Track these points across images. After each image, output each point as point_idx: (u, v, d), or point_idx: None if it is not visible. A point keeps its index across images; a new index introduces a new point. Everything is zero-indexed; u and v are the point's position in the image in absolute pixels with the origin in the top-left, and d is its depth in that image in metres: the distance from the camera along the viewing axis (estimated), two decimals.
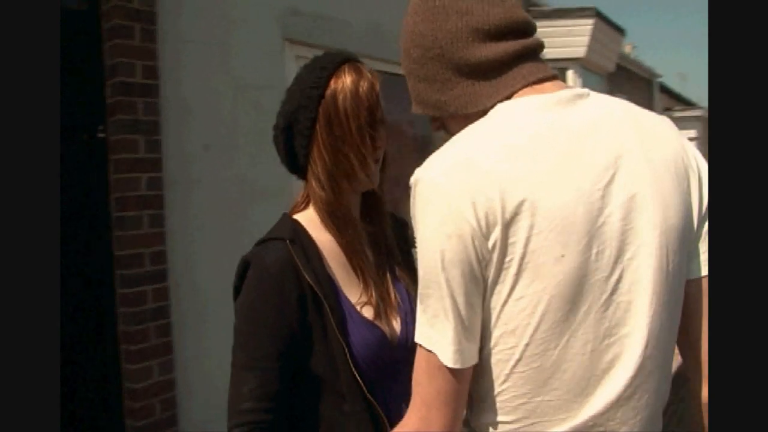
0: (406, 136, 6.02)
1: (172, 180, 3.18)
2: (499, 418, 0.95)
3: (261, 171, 3.75)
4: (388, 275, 1.37)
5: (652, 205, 0.93)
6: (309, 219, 1.31)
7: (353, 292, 1.28)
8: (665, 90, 15.29)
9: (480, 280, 0.90)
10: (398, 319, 1.31)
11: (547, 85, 1.02)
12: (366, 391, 1.20)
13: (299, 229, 1.28)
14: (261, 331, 1.19)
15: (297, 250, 1.22)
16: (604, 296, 0.91)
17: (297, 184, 4.12)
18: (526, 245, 0.87)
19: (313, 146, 1.27)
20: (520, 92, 1.00)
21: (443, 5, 1.04)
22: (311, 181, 1.30)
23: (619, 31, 8.20)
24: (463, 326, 0.90)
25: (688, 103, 17.16)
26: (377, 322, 1.27)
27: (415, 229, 0.94)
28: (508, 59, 1.01)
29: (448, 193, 0.89)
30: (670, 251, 0.95)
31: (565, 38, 7.28)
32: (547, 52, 6.63)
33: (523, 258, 0.88)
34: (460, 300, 0.90)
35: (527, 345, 0.90)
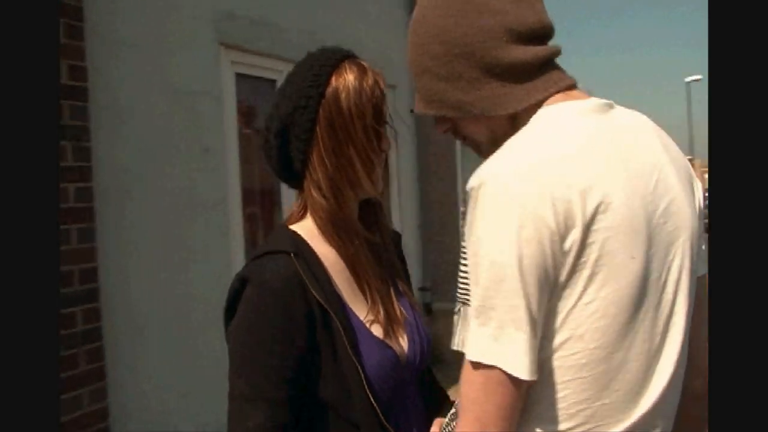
0: None
1: (103, 190, 2.95)
2: (554, 427, 0.91)
3: (199, 181, 3.56)
4: (391, 289, 1.26)
5: (684, 210, 0.99)
6: (308, 230, 1.19)
7: (360, 309, 1.17)
8: None
9: (550, 285, 0.87)
10: (405, 337, 1.21)
11: (575, 92, 1.03)
12: (382, 417, 1.09)
13: (300, 241, 1.16)
14: (265, 356, 1.05)
15: (302, 264, 1.10)
16: (657, 296, 0.94)
17: (238, 195, 3.97)
18: (602, 247, 0.87)
19: (313, 151, 1.15)
20: (553, 98, 1.00)
21: (474, 2, 1.00)
22: (310, 190, 1.17)
23: None
24: (535, 335, 0.87)
25: None
26: (387, 341, 1.16)
27: (473, 236, 0.89)
28: (539, 63, 1.01)
29: (525, 196, 0.86)
30: (694, 253, 1.00)
31: None
32: None
33: (598, 260, 0.87)
34: (534, 308, 0.86)
35: (594, 349, 0.89)
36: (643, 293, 0.91)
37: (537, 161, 0.89)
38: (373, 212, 1.28)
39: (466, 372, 0.90)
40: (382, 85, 1.19)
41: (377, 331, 1.16)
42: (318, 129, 1.14)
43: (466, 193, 0.93)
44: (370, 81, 1.17)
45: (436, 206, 7.02)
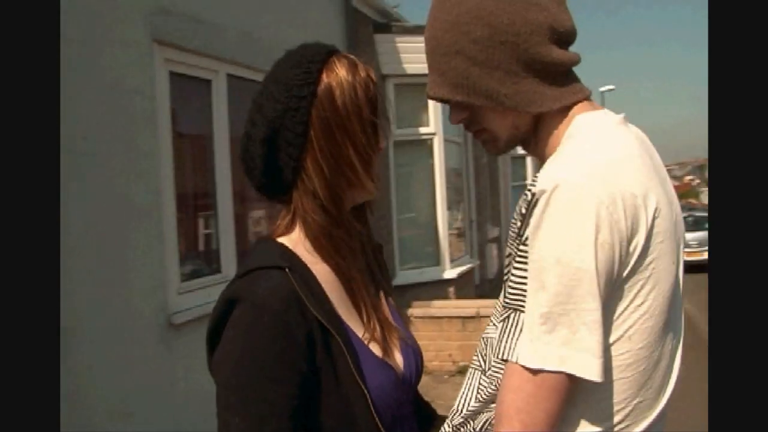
0: None
1: None
2: (592, 429, 0.92)
3: (133, 186, 3.36)
4: (383, 303, 1.18)
5: (681, 218, 1.03)
6: (296, 243, 1.08)
7: (357, 327, 1.07)
8: None
9: (612, 287, 0.88)
10: (400, 354, 1.13)
11: (593, 102, 1.05)
12: None
13: (291, 255, 1.05)
14: (265, 384, 0.93)
15: (298, 280, 0.99)
16: (680, 297, 0.99)
17: (172, 200, 3.76)
18: (657, 251, 0.90)
19: (307, 156, 1.04)
20: (580, 105, 1.02)
21: None
22: (302, 200, 1.06)
23: None
24: (605, 337, 0.87)
25: None
26: (386, 360, 1.08)
27: (541, 239, 0.87)
28: (570, 68, 1.02)
29: (600, 199, 0.85)
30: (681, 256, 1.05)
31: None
32: (408, 68, 6.76)
33: (652, 263, 0.90)
34: (602, 310, 0.86)
35: (640, 349, 0.91)
36: (676, 295, 0.96)
37: (605, 166, 0.89)
38: (362, 217, 1.19)
39: (514, 379, 0.88)
40: (374, 77, 1.10)
41: (375, 349, 1.07)
42: (312, 132, 1.03)
43: (524, 197, 0.92)
44: (363, 74, 1.06)
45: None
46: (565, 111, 1.01)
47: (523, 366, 0.87)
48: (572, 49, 1.03)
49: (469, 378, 1.09)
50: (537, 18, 0.96)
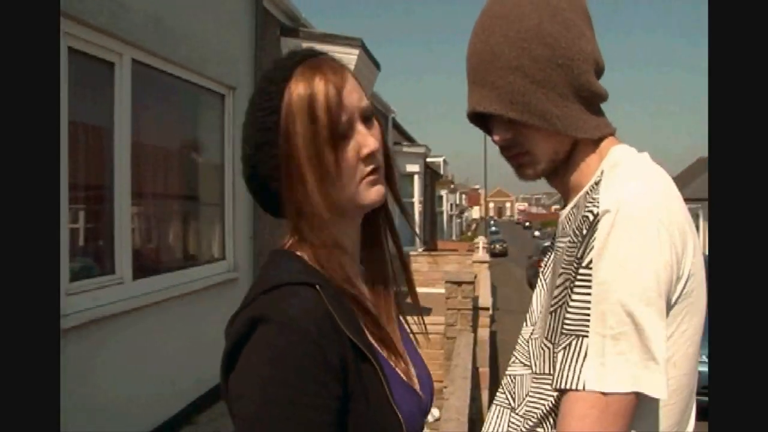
0: (188, 163, 5.41)
1: None
2: None
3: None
4: (395, 327, 1.09)
5: None
6: (310, 258, 0.98)
7: (381, 349, 0.99)
8: (396, 126, 16.46)
9: (667, 311, 0.90)
10: (416, 377, 1.04)
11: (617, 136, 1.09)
12: None
13: (316, 271, 0.95)
14: (301, 414, 0.81)
15: (329, 298, 0.89)
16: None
17: (65, 193, 3.36)
18: (698, 279, 0.93)
19: (282, 187, 0.98)
20: (609, 138, 1.06)
21: (573, 20, 1.01)
22: (294, 225, 0.99)
23: (377, 65, 8.52)
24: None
25: (412, 141, 18.73)
26: (412, 385, 1.00)
27: (607, 261, 0.86)
28: (604, 101, 1.06)
29: (662, 220, 0.88)
30: None
31: None
32: None
33: (694, 290, 0.92)
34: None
35: (683, 375, 0.92)
36: (703, 322, 0.98)
37: (662, 191, 0.92)
38: (374, 230, 1.10)
39: (578, 407, 0.86)
40: (342, 85, 0.97)
41: (402, 374, 0.99)
42: (283, 162, 0.96)
43: (584, 220, 0.92)
44: (326, 84, 0.96)
45: (268, 217, 6.68)
46: (596, 143, 1.05)
47: (590, 391, 0.85)
48: None
49: (494, 416, 1.09)
50: (586, 48, 1.01)
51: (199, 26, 5.05)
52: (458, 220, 56.99)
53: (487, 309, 8.83)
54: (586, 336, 0.87)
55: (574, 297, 0.90)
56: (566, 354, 0.90)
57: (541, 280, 1.20)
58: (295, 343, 0.83)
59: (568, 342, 0.90)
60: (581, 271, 0.90)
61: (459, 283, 7.91)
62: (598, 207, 0.90)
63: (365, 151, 0.97)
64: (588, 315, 0.87)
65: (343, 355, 0.87)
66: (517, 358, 1.18)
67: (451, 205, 45.46)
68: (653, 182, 0.94)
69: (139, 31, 4.09)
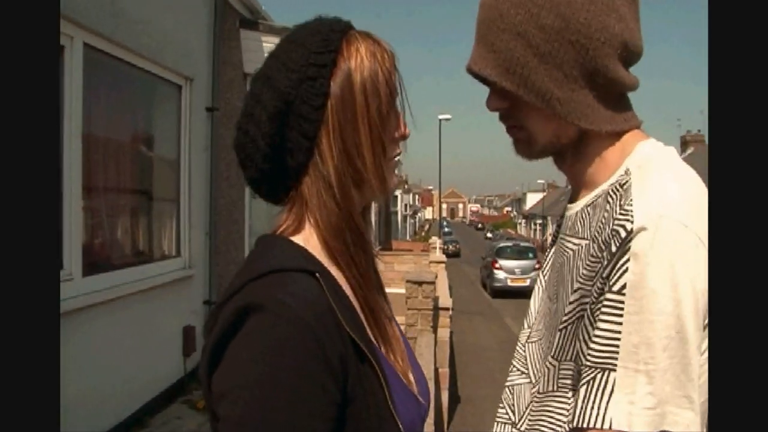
0: (141, 155, 5.19)
1: None
2: None
3: None
4: (393, 323, 1.01)
5: None
6: (309, 245, 0.88)
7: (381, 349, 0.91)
8: None
9: None
10: (416, 384, 0.96)
11: (644, 131, 0.98)
12: None
13: (314, 258, 0.86)
14: (297, 419, 0.72)
15: (330, 289, 0.81)
16: None
17: None
18: None
19: (322, 135, 0.87)
20: (634, 133, 0.94)
21: None
22: (315, 190, 0.88)
23: None
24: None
25: None
26: (413, 391, 0.92)
27: (647, 288, 0.76)
28: (630, 92, 0.95)
29: (701, 237, 0.79)
30: None
31: None
32: None
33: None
34: None
35: (703, 403, 0.82)
36: None
37: (695, 198, 0.83)
38: (365, 219, 1.00)
39: None
40: (395, 60, 0.94)
41: (403, 377, 0.92)
42: (330, 105, 0.86)
43: (614, 234, 0.81)
44: (385, 53, 0.91)
45: (224, 213, 6.53)
46: (615, 136, 0.93)
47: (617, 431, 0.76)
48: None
49: None
50: (614, 27, 0.87)
51: (157, 13, 4.85)
52: (412, 221, 57.29)
53: (447, 309, 8.80)
54: (614, 370, 0.78)
55: (601, 326, 0.79)
56: (589, 389, 0.80)
57: (540, 280, 1.11)
58: (293, 337, 0.73)
59: (591, 376, 0.80)
60: (610, 296, 0.79)
61: (420, 283, 7.86)
62: (632, 222, 0.79)
63: (400, 132, 0.94)
64: (617, 347, 0.78)
65: (344, 355, 0.78)
66: (515, 366, 1.11)
67: (406, 205, 45.64)
68: (689, 190, 0.85)
69: (93, 14, 3.88)
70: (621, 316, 0.77)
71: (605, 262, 0.81)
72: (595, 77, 0.88)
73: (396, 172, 0.95)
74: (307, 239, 0.89)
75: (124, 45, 4.35)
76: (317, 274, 0.81)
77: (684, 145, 32.94)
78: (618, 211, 0.83)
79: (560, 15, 0.85)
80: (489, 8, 0.91)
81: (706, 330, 0.81)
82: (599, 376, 0.79)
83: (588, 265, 0.86)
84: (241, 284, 0.78)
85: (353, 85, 0.87)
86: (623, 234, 0.79)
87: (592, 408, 0.78)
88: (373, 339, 0.88)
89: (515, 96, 0.90)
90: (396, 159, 0.95)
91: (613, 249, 0.80)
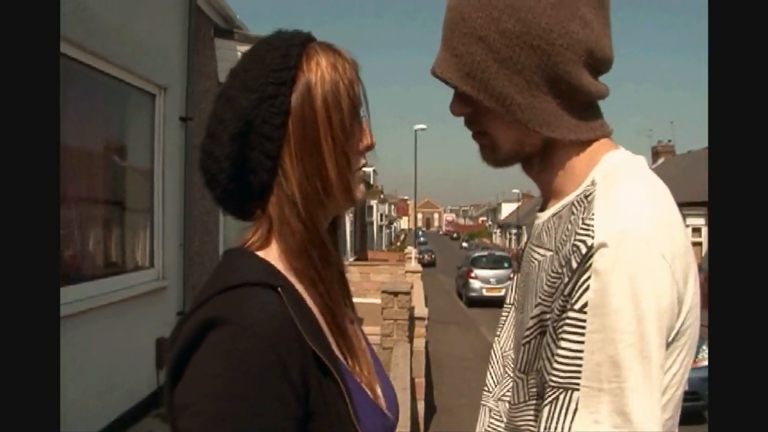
0: (114, 165, 5.11)
1: None
2: None
3: None
4: (359, 332, 1.01)
5: None
6: (276, 260, 0.89)
7: (345, 363, 0.91)
8: None
9: None
10: (383, 397, 0.96)
11: (613, 141, 0.96)
12: None
13: (278, 273, 0.87)
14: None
15: (292, 304, 0.81)
16: None
17: None
18: (694, 314, 0.83)
19: (285, 155, 0.87)
20: (601, 142, 0.93)
21: (569, 0, 0.85)
22: (280, 207, 0.88)
23: None
24: None
25: None
26: (378, 404, 0.92)
27: (610, 306, 0.74)
28: (596, 100, 0.92)
29: (666, 255, 0.77)
30: None
31: None
32: None
33: (689, 328, 0.82)
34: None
35: (669, 419, 0.82)
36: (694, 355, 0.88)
37: (663, 217, 0.81)
38: (333, 231, 1.01)
39: None
40: (357, 68, 0.94)
41: (368, 391, 0.91)
42: (291, 124, 0.86)
43: (575, 249, 0.79)
44: (346, 63, 0.92)
45: (198, 224, 6.46)
46: (583, 145, 0.91)
47: None
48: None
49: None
50: (578, 33, 0.85)
51: (130, 20, 4.79)
52: (387, 231, 57.33)
53: (423, 319, 8.79)
54: (577, 389, 0.76)
55: (563, 344, 0.78)
56: (553, 409, 0.78)
57: (511, 287, 1.10)
58: (254, 351, 0.74)
59: (555, 396, 0.78)
60: (572, 315, 0.77)
61: (395, 293, 7.83)
62: (593, 237, 0.78)
63: (366, 142, 0.94)
64: (580, 366, 0.76)
65: (305, 369, 0.79)
66: (491, 374, 1.13)
67: (381, 215, 45.66)
68: (654, 203, 0.82)
69: (63, 20, 3.82)
70: (583, 335, 0.76)
71: (566, 279, 0.80)
72: (558, 84, 0.86)
73: (363, 183, 0.96)
74: (273, 254, 0.89)
75: (96, 52, 4.29)
76: (279, 289, 0.81)
77: (655, 155, 33.51)
78: (580, 225, 0.82)
79: (521, 20, 0.84)
80: (452, 11, 0.90)
81: (673, 347, 0.81)
82: (562, 395, 0.77)
83: (549, 280, 0.85)
84: (205, 298, 0.79)
85: (314, 101, 0.87)
86: (584, 250, 0.78)
87: (556, 428, 0.77)
88: (337, 352, 0.88)
89: (477, 101, 0.89)
90: (362, 170, 0.95)
91: (574, 265, 0.78)
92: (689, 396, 7.62)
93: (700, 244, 20.98)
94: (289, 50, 0.87)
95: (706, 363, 7.93)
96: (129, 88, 5.02)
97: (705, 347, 8.13)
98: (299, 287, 0.88)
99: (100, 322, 4.30)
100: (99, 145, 4.88)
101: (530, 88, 0.86)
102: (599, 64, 0.89)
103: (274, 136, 0.85)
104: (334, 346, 0.88)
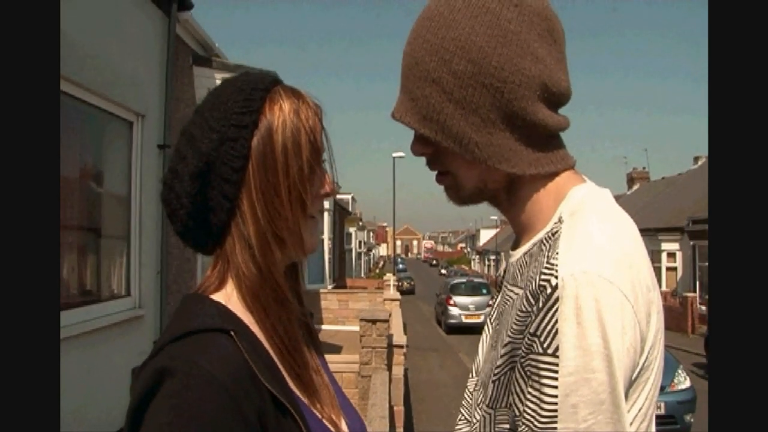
0: (90, 192, 5.06)
1: None
2: None
3: None
4: (322, 372, 1.01)
5: None
6: (230, 301, 0.90)
7: (304, 401, 0.92)
8: None
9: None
10: (346, 430, 0.97)
11: (578, 172, 0.96)
12: None
13: (232, 316, 0.87)
14: None
15: (246, 346, 0.82)
16: None
17: None
18: (658, 348, 0.84)
19: (243, 197, 0.88)
20: (565, 175, 0.93)
21: (518, 35, 0.86)
22: (235, 249, 0.89)
23: None
24: None
25: None
26: None
27: (570, 350, 0.75)
28: (555, 132, 0.93)
29: (627, 296, 0.77)
30: None
31: None
32: None
33: (654, 362, 0.83)
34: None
35: None
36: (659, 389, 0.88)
37: (627, 255, 0.81)
38: (293, 277, 1.03)
39: None
40: (320, 115, 0.96)
41: (329, 427, 0.92)
42: (250, 167, 0.88)
43: (541, 289, 0.79)
44: (310, 110, 0.93)
45: (176, 252, 6.40)
46: (547, 179, 0.92)
47: None
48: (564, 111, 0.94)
49: None
50: (530, 70, 0.86)
51: (107, 47, 4.78)
52: (366, 258, 57.19)
53: (401, 347, 8.75)
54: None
55: (538, 387, 0.78)
56: None
57: (488, 326, 1.10)
58: (207, 399, 0.75)
59: None
60: (544, 359, 0.78)
61: (374, 321, 7.80)
62: (557, 277, 0.78)
63: (325, 190, 0.96)
64: (555, 411, 0.76)
65: (262, 410, 0.79)
66: (462, 414, 1.10)
67: (360, 242, 45.59)
68: (617, 239, 0.83)
69: None
70: (556, 378, 0.76)
71: (532, 317, 0.80)
72: (514, 120, 0.87)
73: (317, 230, 0.97)
74: (229, 296, 0.89)
75: (72, 79, 4.27)
76: (232, 333, 0.82)
77: (630, 181, 34.00)
78: (545, 264, 0.82)
79: (472, 60, 0.85)
80: (407, 56, 0.91)
81: (638, 382, 0.82)
82: None
83: (518, 317, 0.85)
84: (159, 347, 0.80)
85: (274, 146, 0.88)
86: (548, 290, 0.78)
87: None
88: (297, 391, 0.89)
89: (436, 142, 0.90)
90: (317, 218, 0.96)
91: (540, 304, 0.79)
92: (666, 419, 7.64)
93: (675, 269, 21.31)
94: (252, 93, 0.89)
95: (682, 387, 8.01)
96: (106, 115, 4.99)
97: (680, 371, 8.20)
98: (255, 329, 0.88)
99: (74, 353, 4.19)
100: (75, 172, 4.83)
101: (487, 126, 0.87)
102: (555, 98, 0.90)
103: (233, 178, 0.87)
104: (292, 385, 0.89)
